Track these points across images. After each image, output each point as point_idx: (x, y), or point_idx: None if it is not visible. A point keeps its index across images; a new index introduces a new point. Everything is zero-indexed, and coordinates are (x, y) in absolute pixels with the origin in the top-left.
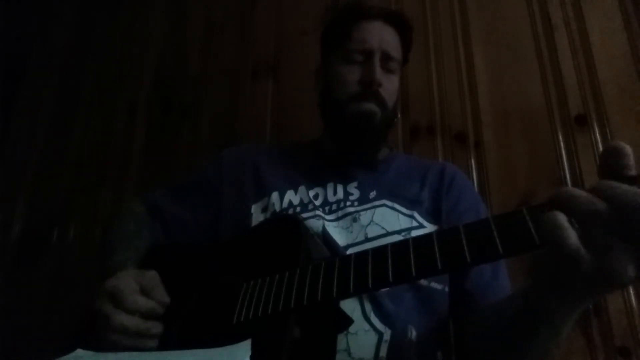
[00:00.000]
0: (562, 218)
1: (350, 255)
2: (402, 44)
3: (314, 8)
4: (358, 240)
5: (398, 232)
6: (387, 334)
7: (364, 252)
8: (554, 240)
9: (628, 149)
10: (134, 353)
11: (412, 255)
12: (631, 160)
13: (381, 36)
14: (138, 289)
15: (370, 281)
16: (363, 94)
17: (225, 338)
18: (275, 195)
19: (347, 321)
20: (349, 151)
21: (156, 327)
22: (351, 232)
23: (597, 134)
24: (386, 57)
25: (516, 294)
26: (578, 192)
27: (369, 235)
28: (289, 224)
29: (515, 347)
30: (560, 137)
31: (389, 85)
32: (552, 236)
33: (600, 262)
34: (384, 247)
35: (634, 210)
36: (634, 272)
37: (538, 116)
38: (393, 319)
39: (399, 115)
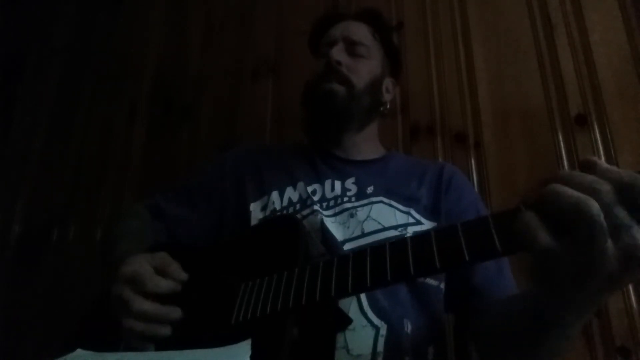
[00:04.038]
0: (530, 217)
1: (348, 254)
2: (377, 34)
3: (314, 8)
4: (355, 235)
5: (395, 227)
6: (383, 328)
7: (362, 251)
8: (525, 240)
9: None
10: (135, 353)
11: (410, 254)
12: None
13: (344, 28)
14: (154, 272)
15: (368, 280)
16: (325, 74)
17: (224, 338)
18: (275, 194)
19: (346, 320)
20: (319, 133)
21: (175, 312)
22: (348, 227)
23: (597, 134)
24: (350, 43)
25: (523, 295)
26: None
27: (366, 231)
28: (287, 224)
29: (524, 348)
30: (560, 137)
31: (357, 65)
32: (523, 238)
33: (577, 255)
34: (382, 246)
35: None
36: (616, 261)
37: (538, 116)
38: (389, 313)
39: (388, 106)
